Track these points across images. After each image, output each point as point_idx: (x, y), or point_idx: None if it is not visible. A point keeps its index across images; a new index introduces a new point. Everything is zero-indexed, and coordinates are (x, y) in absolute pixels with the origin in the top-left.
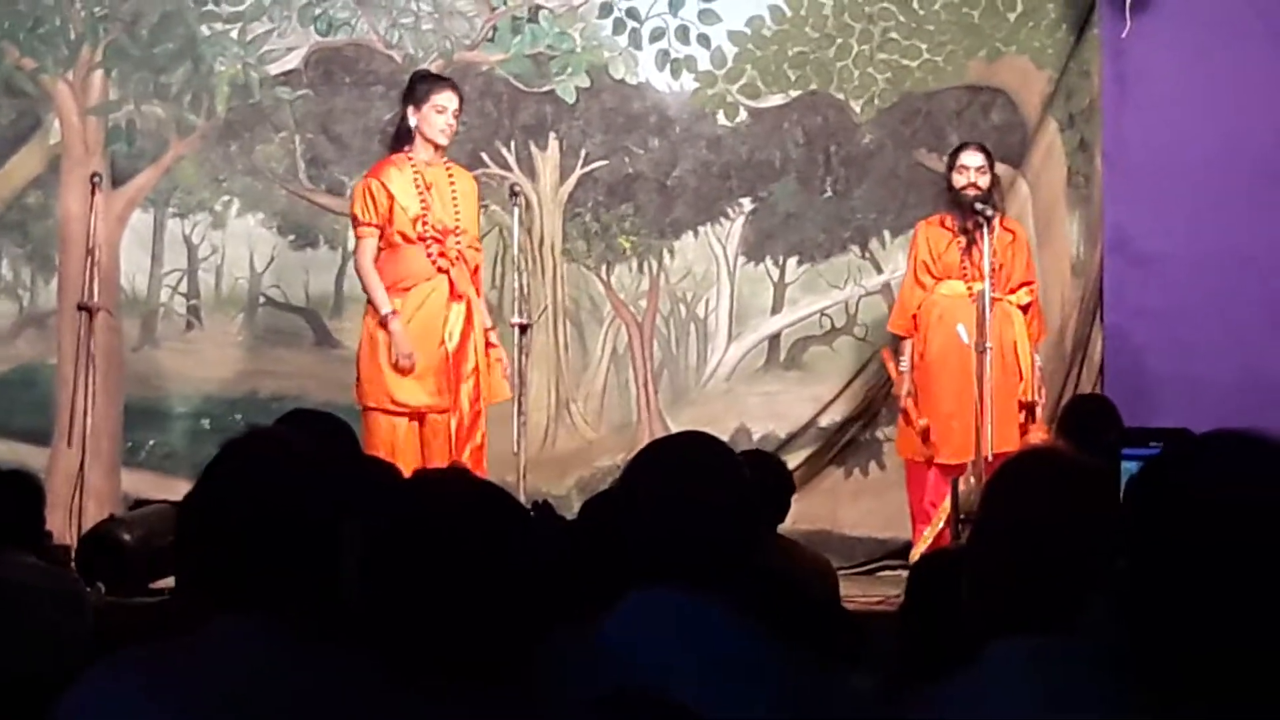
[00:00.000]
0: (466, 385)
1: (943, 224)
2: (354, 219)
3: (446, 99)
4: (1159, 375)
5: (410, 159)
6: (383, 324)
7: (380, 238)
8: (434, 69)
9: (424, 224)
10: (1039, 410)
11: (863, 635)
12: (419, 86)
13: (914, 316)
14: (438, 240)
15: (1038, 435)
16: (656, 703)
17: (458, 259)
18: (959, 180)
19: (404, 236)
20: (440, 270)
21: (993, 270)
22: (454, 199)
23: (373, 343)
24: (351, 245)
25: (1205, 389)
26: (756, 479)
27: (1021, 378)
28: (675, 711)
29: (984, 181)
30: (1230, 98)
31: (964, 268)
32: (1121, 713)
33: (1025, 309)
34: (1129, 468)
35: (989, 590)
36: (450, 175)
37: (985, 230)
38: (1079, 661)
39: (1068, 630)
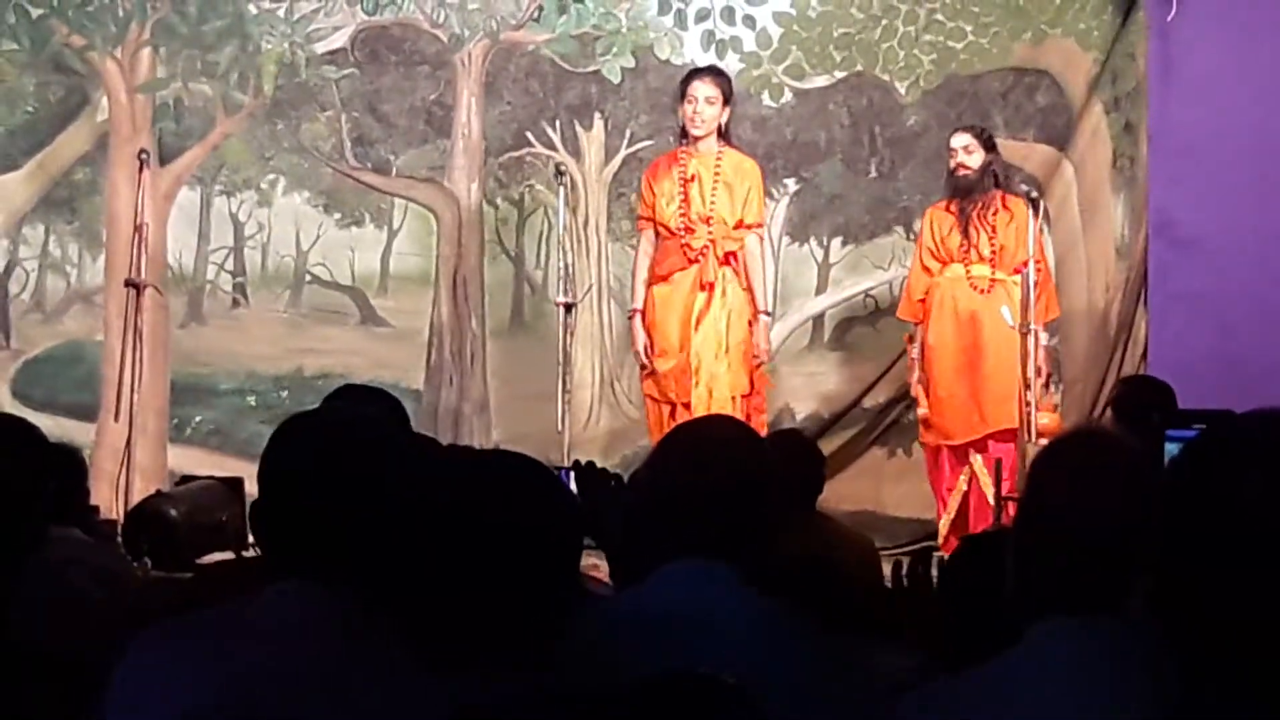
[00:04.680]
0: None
1: (947, 208)
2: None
3: (693, 89)
4: (1203, 358)
5: (684, 152)
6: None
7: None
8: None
9: (681, 216)
10: (1049, 390)
11: (904, 614)
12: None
13: (921, 302)
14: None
15: (1046, 415)
16: (704, 683)
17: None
18: (951, 162)
19: (666, 229)
20: (690, 261)
21: (993, 251)
22: (714, 189)
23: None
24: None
25: (1248, 371)
26: (785, 461)
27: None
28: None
29: (972, 161)
30: (1276, 81)
31: (964, 250)
32: (1163, 695)
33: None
34: (1172, 450)
35: (1033, 571)
36: (718, 164)
37: (1031, 212)
38: (1122, 643)
39: (1111, 612)
